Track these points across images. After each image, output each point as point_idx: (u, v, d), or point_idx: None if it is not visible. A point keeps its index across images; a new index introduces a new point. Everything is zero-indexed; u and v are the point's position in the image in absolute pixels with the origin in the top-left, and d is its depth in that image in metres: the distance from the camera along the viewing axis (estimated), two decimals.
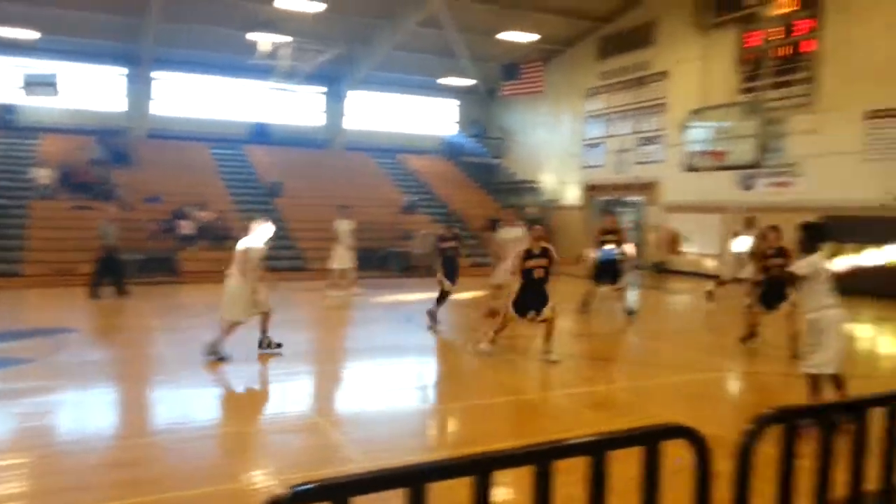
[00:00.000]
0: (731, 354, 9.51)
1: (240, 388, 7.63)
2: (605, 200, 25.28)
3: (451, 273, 11.29)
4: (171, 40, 23.87)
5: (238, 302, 8.57)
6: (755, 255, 9.49)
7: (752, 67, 17.66)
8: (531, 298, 8.46)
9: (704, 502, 2.16)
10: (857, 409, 2.48)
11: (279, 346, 8.89)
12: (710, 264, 18.90)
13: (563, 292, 14.85)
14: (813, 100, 17.71)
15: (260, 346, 8.80)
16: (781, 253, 8.80)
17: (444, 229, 12.88)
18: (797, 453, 2.34)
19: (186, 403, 6.92)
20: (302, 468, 4.93)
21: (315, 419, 6.36)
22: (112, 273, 14.71)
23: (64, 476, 4.86)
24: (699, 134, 17.66)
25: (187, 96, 27.00)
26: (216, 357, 8.26)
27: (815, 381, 5.78)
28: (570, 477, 2.12)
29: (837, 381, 5.77)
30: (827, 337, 5.68)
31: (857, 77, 16.70)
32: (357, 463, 5.07)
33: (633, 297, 14.80)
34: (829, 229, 6.22)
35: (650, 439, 2.08)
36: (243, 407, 7.00)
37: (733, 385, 8.29)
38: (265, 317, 8.87)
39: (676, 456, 2.40)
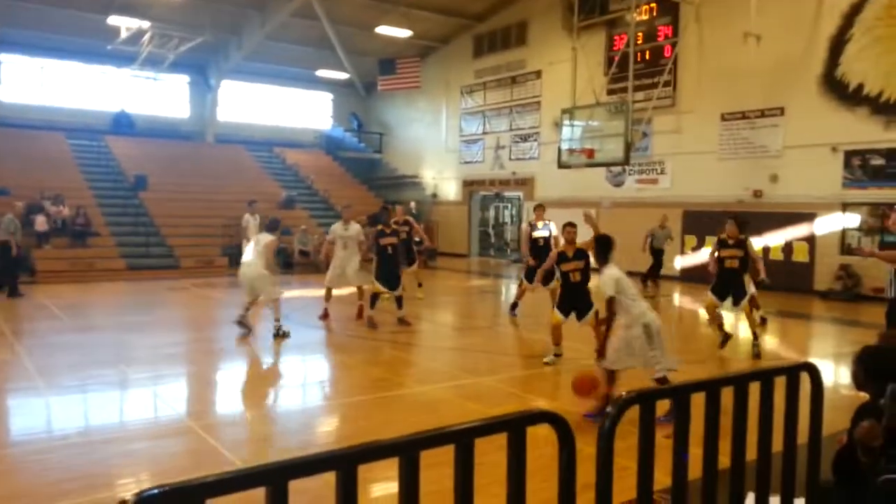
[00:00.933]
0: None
1: (104, 395, 7.14)
2: (483, 195, 25.83)
3: (387, 274, 10.67)
4: (18, 20, 22.00)
5: (273, 281, 9.87)
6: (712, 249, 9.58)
7: (619, 69, 18.57)
8: (572, 301, 8.19)
9: (570, 484, 2.21)
10: (709, 388, 2.64)
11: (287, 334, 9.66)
12: None
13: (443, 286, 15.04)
14: (674, 101, 18.89)
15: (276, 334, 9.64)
16: (740, 244, 9.12)
17: (385, 220, 11.55)
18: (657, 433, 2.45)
19: (46, 412, 6.44)
20: (172, 475, 4.68)
21: (188, 423, 6.06)
22: (6, 272, 13.72)
23: None
24: (571, 132, 18.36)
25: (40, 82, 24.99)
26: (282, 333, 9.62)
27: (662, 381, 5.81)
28: (450, 469, 2.11)
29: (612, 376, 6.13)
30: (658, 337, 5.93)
31: (712, 81, 17.97)
32: (233, 466, 4.88)
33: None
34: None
35: (515, 425, 2.10)
36: (109, 413, 6.56)
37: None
38: (276, 304, 9.82)
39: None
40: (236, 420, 6.42)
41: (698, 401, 2.63)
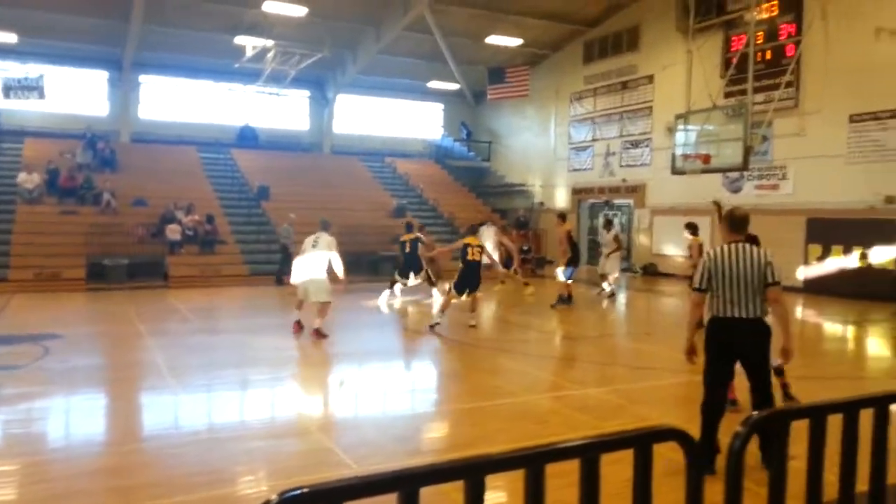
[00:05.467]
0: None
1: (229, 394, 7.58)
2: (592, 203, 25.40)
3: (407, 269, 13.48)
4: (155, 44, 23.78)
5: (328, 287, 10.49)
6: None
7: (737, 71, 17.79)
8: None
9: None
10: (848, 410, 2.50)
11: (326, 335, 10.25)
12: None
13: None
14: (797, 103, 17.88)
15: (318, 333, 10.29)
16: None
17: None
18: (790, 454, 2.36)
19: (176, 409, 6.87)
20: (293, 474, 4.91)
21: (305, 424, 6.34)
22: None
23: (53, 483, 4.80)
24: (685, 137, 17.74)
25: (173, 100, 26.90)
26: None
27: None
28: (562, 481, 2.13)
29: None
30: None
31: (839, 81, 16.89)
32: (348, 468, 5.05)
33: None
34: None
35: (642, 442, 2.08)
36: (233, 412, 6.96)
37: None
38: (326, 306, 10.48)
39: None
40: (350, 422, 6.60)
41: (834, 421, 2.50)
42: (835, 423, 2.54)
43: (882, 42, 15.12)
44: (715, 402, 4.98)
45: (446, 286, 12.03)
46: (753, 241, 5.86)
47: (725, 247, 4.96)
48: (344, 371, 9.08)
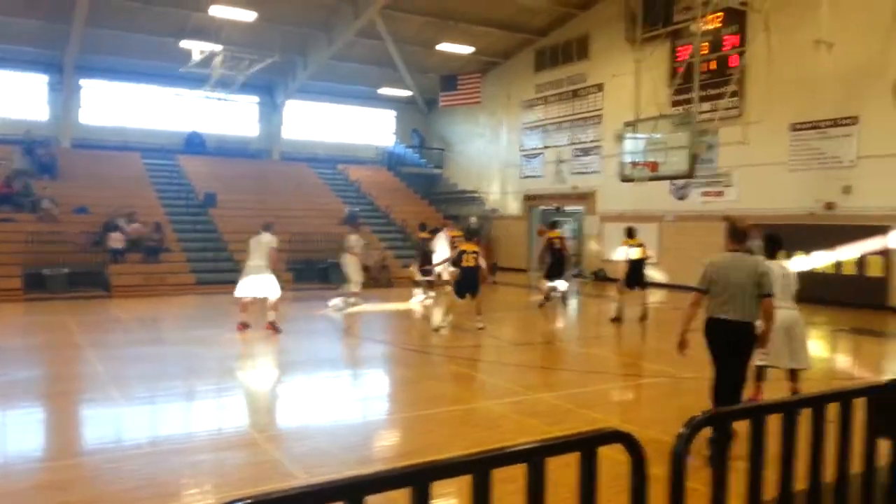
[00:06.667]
0: (668, 359, 9.70)
1: (174, 406, 7.37)
2: (543, 210, 25.67)
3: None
4: (98, 46, 23.16)
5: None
6: None
7: (683, 81, 18.24)
8: None
9: None
10: (786, 410, 2.54)
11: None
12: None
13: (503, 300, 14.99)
14: (741, 112, 18.40)
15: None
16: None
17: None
18: (731, 455, 2.38)
19: (119, 422, 6.66)
20: (239, 486, 4.79)
21: (252, 435, 6.20)
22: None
23: None
24: (634, 145, 18.09)
25: (117, 105, 26.20)
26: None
27: (759, 372, 6.56)
28: (513, 486, 2.10)
29: (792, 374, 6.61)
30: (775, 334, 6.07)
31: (781, 91, 17.44)
32: (297, 479, 4.95)
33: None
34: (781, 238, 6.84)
35: (586, 445, 2.08)
36: (178, 424, 6.76)
37: (672, 390, 8.45)
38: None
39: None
40: (298, 433, 6.48)
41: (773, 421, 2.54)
42: (776, 423, 2.58)
43: (821, 54, 15.67)
44: (718, 389, 5.40)
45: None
46: (775, 241, 6.67)
47: (727, 254, 5.46)
48: (294, 380, 8.93)
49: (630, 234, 13.45)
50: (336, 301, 14.49)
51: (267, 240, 11.12)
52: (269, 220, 11.98)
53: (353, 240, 14.60)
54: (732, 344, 5.31)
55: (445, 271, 13.64)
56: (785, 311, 6.41)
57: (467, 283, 12.06)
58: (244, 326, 11.35)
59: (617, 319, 13.03)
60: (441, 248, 14.64)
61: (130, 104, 26.41)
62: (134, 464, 5.36)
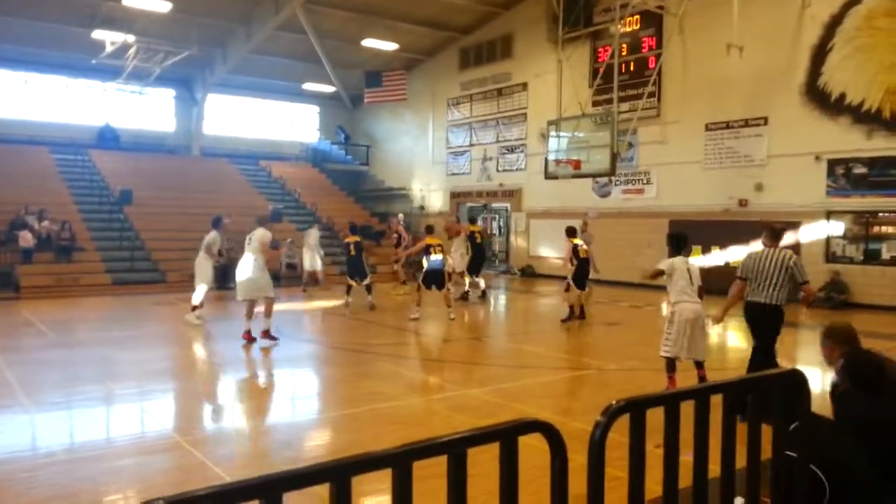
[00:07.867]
0: (595, 353, 9.96)
1: (91, 411, 7.06)
2: (470, 207, 25.88)
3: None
4: (3, 35, 21.96)
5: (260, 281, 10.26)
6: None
7: (604, 81, 18.72)
8: None
9: (562, 494, 2.21)
10: (699, 396, 2.64)
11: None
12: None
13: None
14: (659, 112, 19.05)
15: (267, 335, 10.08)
16: None
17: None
18: (657, 443, 2.46)
19: (31, 430, 6.36)
20: (161, 491, 4.61)
21: (176, 439, 6.01)
22: None
23: None
24: (557, 143, 18.46)
25: (23, 97, 24.85)
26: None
27: (669, 363, 7.14)
28: (442, 481, 2.11)
29: (697, 364, 7.17)
30: (678, 326, 6.95)
31: (696, 92, 18.16)
32: (221, 481, 4.82)
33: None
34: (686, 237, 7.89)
35: (507, 435, 2.10)
36: (95, 430, 6.49)
37: (598, 381, 8.67)
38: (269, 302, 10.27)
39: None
40: (224, 435, 6.36)
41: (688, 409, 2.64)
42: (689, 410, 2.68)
43: (732, 57, 16.37)
44: (756, 357, 6.64)
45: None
46: (680, 239, 7.76)
47: (763, 249, 6.71)
48: (219, 382, 8.71)
49: (572, 232, 13.05)
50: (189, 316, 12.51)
51: (259, 234, 10.38)
52: (263, 214, 11.80)
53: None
54: (766, 321, 6.57)
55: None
56: (688, 304, 7.02)
57: (433, 275, 12.53)
58: (250, 337, 10.16)
59: (570, 319, 12.23)
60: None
61: (38, 96, 25.09)
62: (48, 472, 5.14)
